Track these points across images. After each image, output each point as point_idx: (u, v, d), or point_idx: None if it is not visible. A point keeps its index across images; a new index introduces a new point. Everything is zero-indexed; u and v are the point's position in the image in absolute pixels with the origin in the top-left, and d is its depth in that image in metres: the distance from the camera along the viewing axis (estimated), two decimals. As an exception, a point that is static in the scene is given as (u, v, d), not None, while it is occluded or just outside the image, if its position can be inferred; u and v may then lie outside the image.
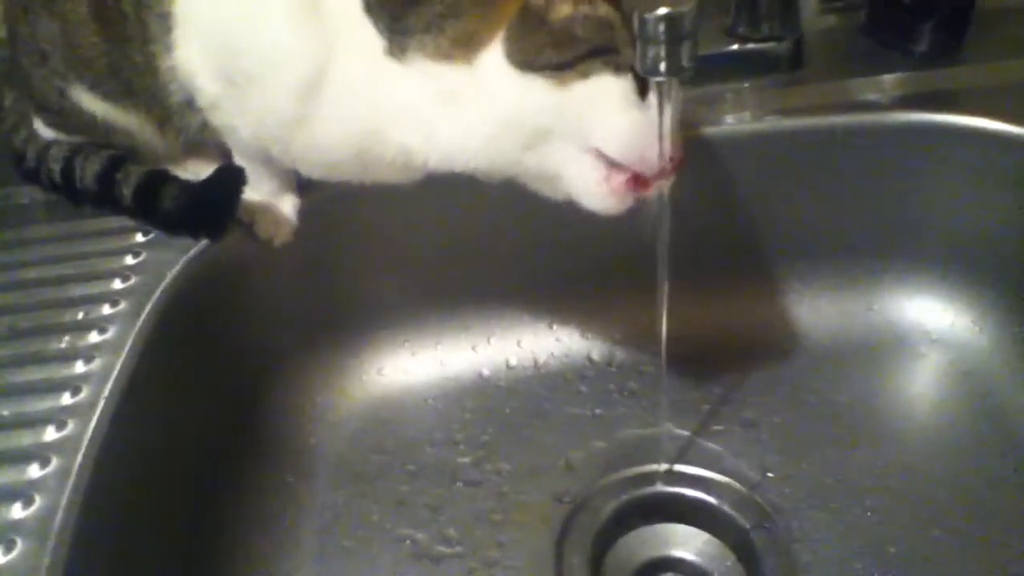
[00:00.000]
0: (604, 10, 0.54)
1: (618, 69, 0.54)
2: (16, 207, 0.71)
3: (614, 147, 0.55)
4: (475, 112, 0.56)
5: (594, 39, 0.54)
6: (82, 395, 0.55)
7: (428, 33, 0.55)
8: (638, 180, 0.56)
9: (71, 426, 0.53)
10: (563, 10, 0.54)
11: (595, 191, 0.56)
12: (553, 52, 0.53)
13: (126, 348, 0.58)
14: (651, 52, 0.48)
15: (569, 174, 0.56)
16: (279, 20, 0.56)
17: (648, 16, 0.47)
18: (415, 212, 0.73)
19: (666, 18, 0.46)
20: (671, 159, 0.55)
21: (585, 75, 0.54)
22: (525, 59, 0.54)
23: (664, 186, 0.57)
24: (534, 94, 0.54)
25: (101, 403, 0.55)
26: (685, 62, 0.49)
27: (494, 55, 0.54)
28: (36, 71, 0.67)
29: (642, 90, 0.54)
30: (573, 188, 0.57)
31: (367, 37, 0.56)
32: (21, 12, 0.66)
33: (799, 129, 0.73)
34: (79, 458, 0.52)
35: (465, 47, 0.55)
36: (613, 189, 0.56)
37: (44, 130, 0.71)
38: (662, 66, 0.49)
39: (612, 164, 0.55)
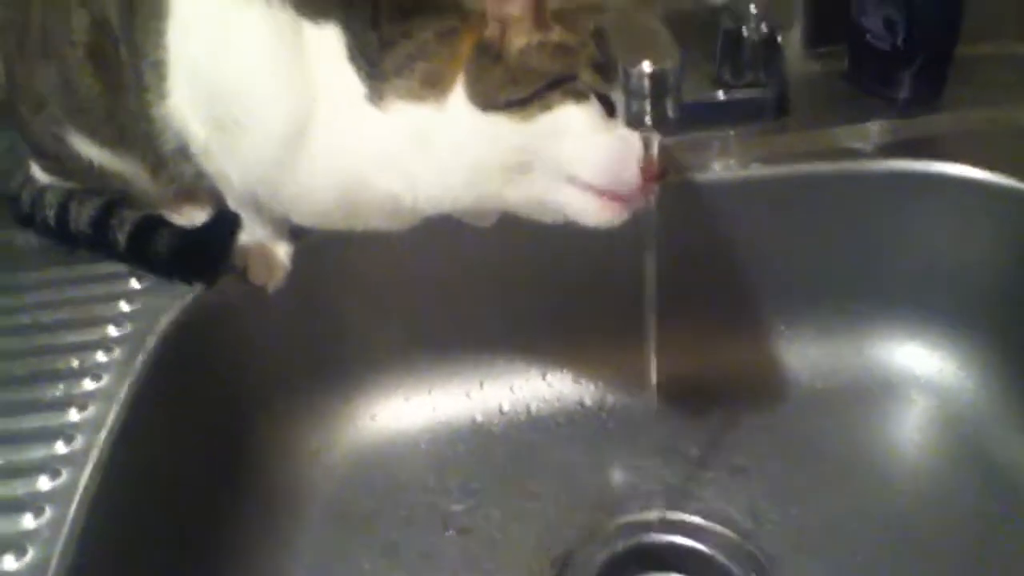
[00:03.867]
0: (559, 36, 0.55)
1: (579, 96, 0.54)
2: (11, 252, 0.71)
3: (588, 173, 0.55)
4: (448, 154, 0.56)
5: (552, 69, 0.54)
6: (76, 443, 0.55)
7: (400, 76, 0.56)
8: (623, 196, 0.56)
9: (65, 475, 0.53)
10: (519, 40, 0.54)
11: (585, 212, 0.56)
12: (512, 88, 0.54)
13: (120, 396, 0.58)
14: (635, 106, 0.49)
15: (554, 201, 0.56)
16: (262, 67, 0.57)
17: (632, 71, 0.48)
18: (408, 258, 0.73)
19: (651, 75, 0.47)
20: (649, 172, 0.55)
21: (548, 107, 0.54)
22: (486, 100, 0.54)
23: (651, 194, 0.57)
24: (501, 133, 0.54)
25: (95, 452, 0.54)
26: (670, 113, 0.50)
27: (459, 97, 0.55)
28: (34, 117, 0.67)
29: (609, 111, 0.55)
30: (563, 212, 0.57)
31: (350, 84, 0.56)
32: (18, 56, 0.66)
33: (785, 176, 0.74)
34: (73, 508, 0.51)
35: (434, 88, 0.55)
36: (602, 206, 0.56)
37: (40, 175, 0.71)
38: (647, 119, 0.49)
39: (592, 187, 0.56)
